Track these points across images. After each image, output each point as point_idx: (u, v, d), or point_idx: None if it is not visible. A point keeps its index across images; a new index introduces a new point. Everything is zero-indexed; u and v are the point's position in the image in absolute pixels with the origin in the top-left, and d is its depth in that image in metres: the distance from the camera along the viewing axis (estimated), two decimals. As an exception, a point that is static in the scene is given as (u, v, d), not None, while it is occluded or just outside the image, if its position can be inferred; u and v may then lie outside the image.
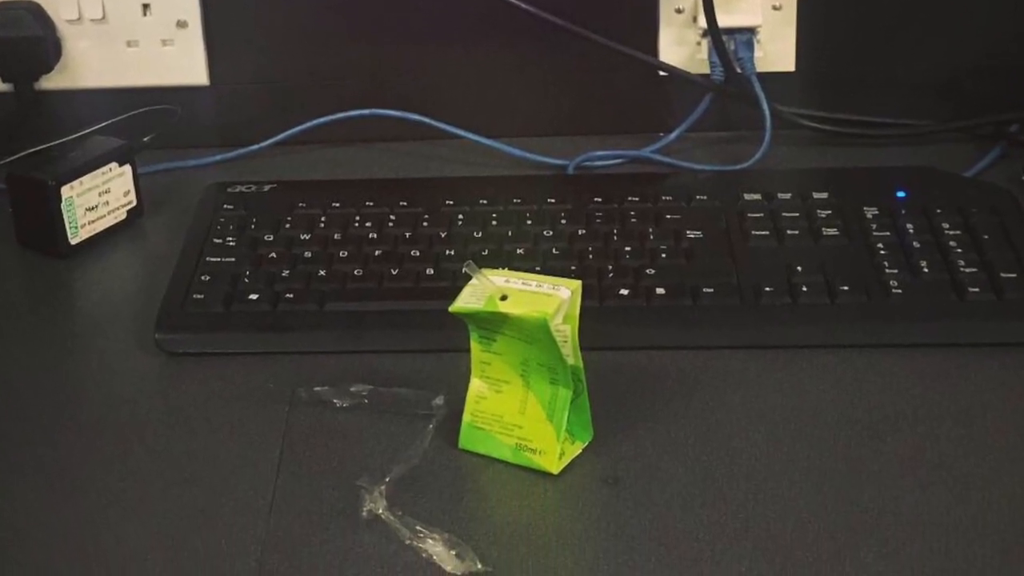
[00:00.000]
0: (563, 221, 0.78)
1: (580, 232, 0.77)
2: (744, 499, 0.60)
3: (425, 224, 0.78)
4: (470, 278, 0.62)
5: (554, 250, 0.76)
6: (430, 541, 0.57)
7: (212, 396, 0.68)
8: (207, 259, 0.76)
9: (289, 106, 0.90)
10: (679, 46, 0.90)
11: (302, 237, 0.78)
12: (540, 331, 0.60)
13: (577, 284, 0.61)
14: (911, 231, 0.76)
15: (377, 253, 0.76)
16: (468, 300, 0.61)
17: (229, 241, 0.77)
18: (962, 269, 0.73)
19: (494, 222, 0.78)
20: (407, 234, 0.78)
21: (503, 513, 0.61)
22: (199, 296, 0.73)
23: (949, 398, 0.66)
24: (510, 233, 0.77)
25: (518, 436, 0.62)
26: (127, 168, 0.82)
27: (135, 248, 0.82)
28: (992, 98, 0.88)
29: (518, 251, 0.76)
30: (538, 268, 0.73)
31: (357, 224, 0.78)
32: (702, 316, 0.71)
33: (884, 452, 0.63)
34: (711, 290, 0.72)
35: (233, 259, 0.76)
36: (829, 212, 0.78)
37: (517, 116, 0.91)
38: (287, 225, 0.79)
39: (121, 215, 0.83)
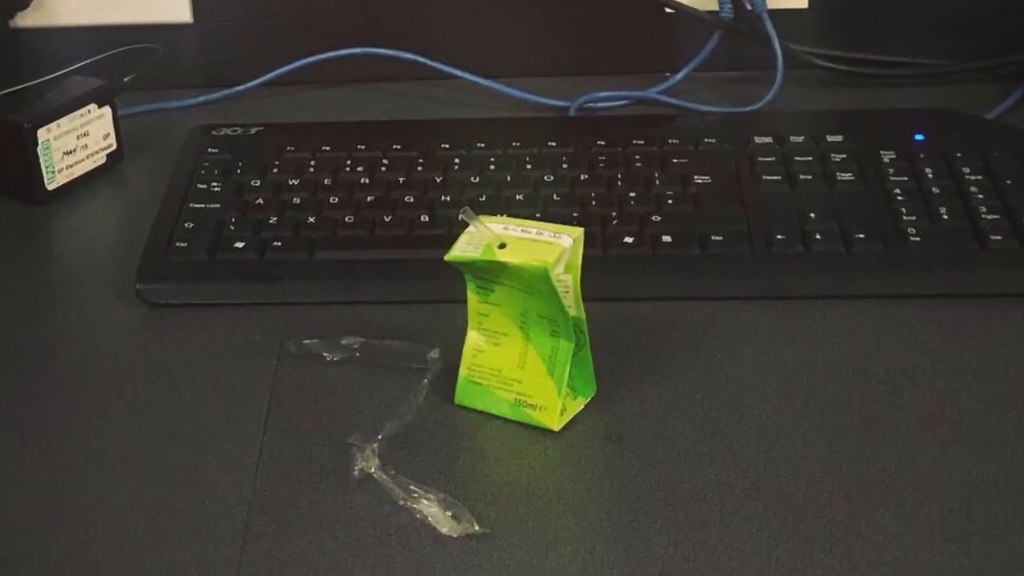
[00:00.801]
0: (564, 165, 0.77)
1: (582, 177, 0.76)
2: (755, 457, 0.59)
3: (420, 168, 0.77)
4: (467, 225, 0.61)
5: (555, 196, 0.75)
6: (424, 502, 0.56)
7: (196, 349, 0.67)
8: (191, 205, 0.75)
9: (277, 44, 0.90)
10: (686, -19, 0.88)
11: (290, 182, 0.77)
12: (540, 281, 0.59)
13: (579, 232, 0.60)
14: (930, 176, 0.75)
15: (369, 199, 0.75)
16: (465, 248, 0.60)
17: (214, 186, 0.77)
18: (983, 216, 0.72)
19: (492, 166, 0.77)
20: (401, 179, 0.76)
21: (501, 472, 0.60)
22: (182, 244, 0.72)
23: (970, 351, 0.65)
24: (509, 178, 0.76)
25: (517, 391, 0.61)
26: (107, 110, 0.81)
27: (115, 194, 0.81)
28: (1015, 36, 0.88)
29: (517, 197, 0.75)
30: (538, 215, 0.72)
31: (348, 168, 0.77)
32: (711, 265, 0.70)
33: (902, 408, 0.62)
34: (720, 238, 0.71)
35: (218, 205, 0.75)
36: (844, 156, 0.77)
37: (517, 55, 0.90)
38: (274, 169, 0.78)
39: (100, 159, 0.82)
